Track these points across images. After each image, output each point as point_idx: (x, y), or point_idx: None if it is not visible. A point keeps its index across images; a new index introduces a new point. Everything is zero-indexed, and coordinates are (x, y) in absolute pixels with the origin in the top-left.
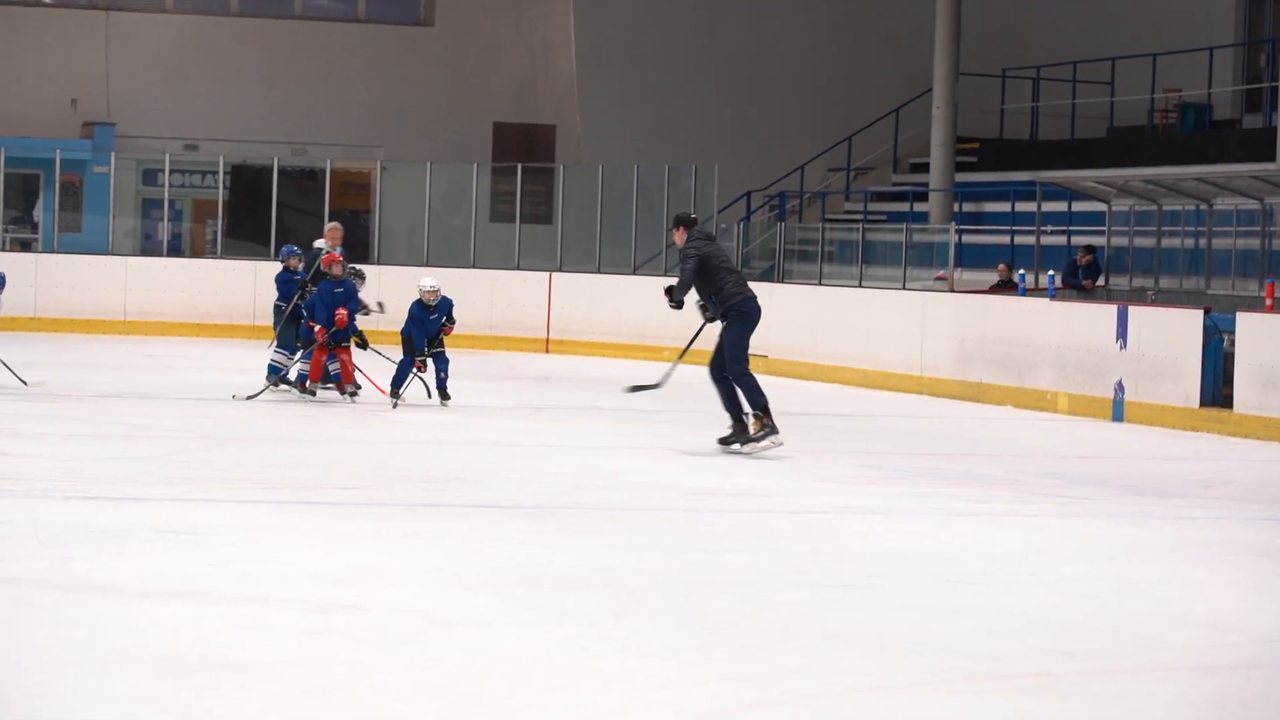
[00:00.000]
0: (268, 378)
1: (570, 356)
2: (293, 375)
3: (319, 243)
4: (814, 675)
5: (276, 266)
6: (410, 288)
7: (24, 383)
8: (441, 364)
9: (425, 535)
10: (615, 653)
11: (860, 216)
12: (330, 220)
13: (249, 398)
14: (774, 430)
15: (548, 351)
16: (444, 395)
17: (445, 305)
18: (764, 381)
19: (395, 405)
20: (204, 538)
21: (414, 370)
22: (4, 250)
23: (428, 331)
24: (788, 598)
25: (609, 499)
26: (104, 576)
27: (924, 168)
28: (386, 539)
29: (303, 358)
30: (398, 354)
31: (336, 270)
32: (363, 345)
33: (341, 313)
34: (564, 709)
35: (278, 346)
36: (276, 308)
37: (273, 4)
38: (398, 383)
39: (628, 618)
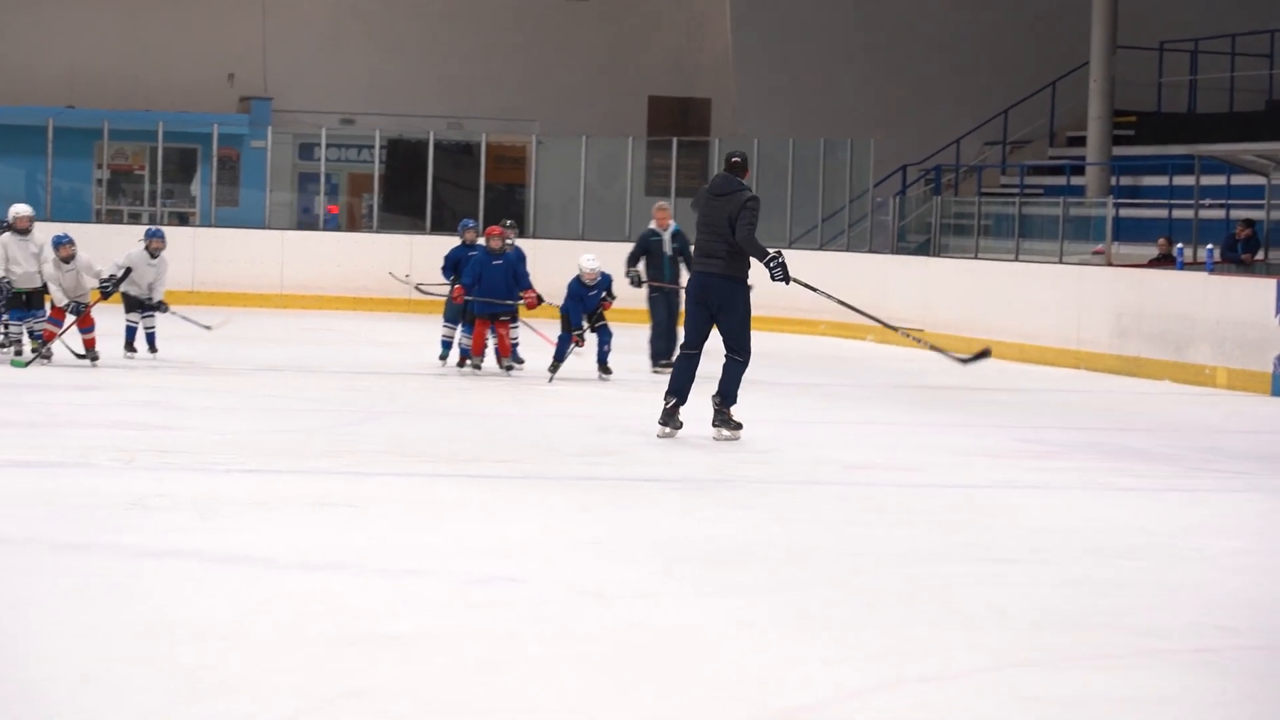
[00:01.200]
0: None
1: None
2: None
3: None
4: (976, 650)
5: (432, 240)
6: (565, 262)
7: (207, 328)
8: (604, 337)
9: (584, 508)
10: (774, 626)
11: (1016, 190)
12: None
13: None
14: (664, 421)
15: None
16: (604, 369)
17: (604, 281)
18: (918, 356)
19: (551, 380)
20: (362, 511)
21: (572, 345)
22: (163, 224)
23: (586, 307)
24: (948, 571)
25: (767, 473)
26: (263, 549)
27: (1081, 141)
28: (545, 512)
29: (464, 331)
30: (553, 329)
31: (495, 244)
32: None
33: (531, 294)
34: (724, 682)
35: (445, 320)
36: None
37: None
38: (558, 358)
39: (786, 591)
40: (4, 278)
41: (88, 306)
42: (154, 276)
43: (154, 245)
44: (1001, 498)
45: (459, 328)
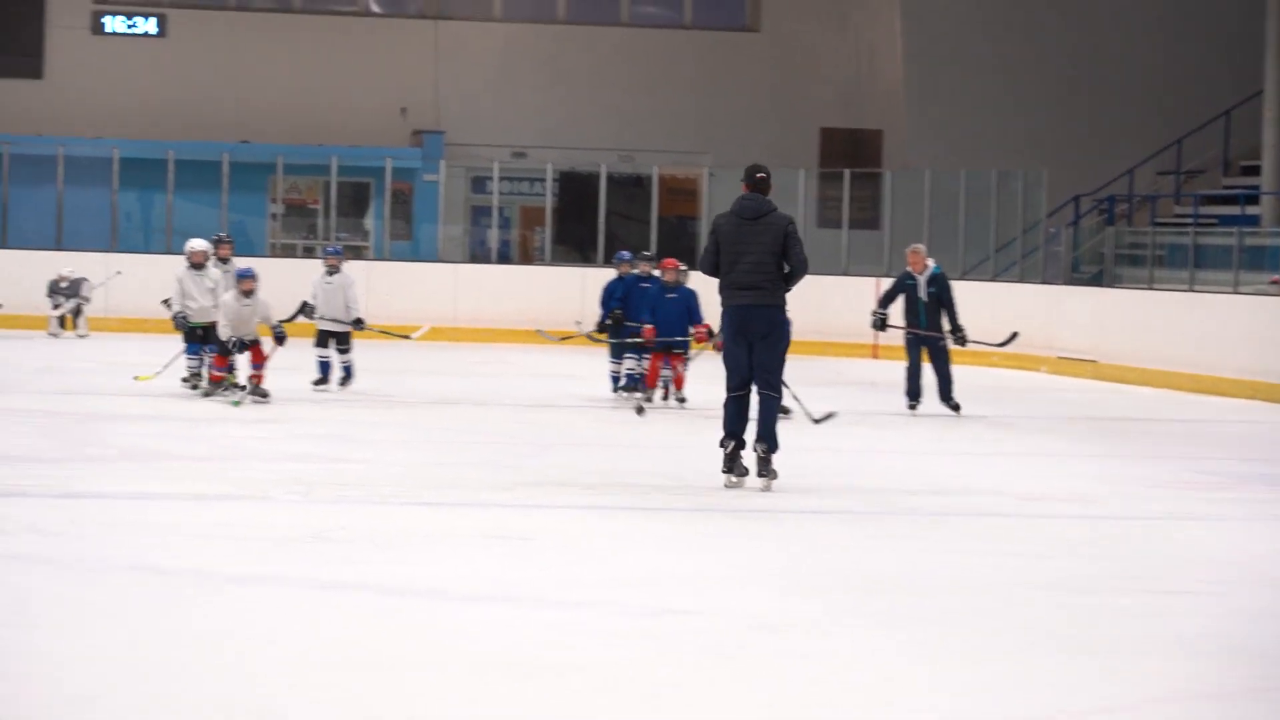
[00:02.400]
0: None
1: (898, 362)
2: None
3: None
4: (1146, 681)
5: (603, 273)
6: None
7: (405, 338)
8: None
9: (755, 539)
10: (946, 658)
11: (1191, 220)
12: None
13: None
14: (726, 469)
15: (875, 357)
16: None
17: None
18: (1091, 387)
19: None
20: (535, 543)
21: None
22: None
23: None
24: (1117, 603)
25: (940, 504)
26: (437, 581)
27: (1255, 170)
28: (716, 543)
29: (633, 360)
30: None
31: (669, 277)
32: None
33: (703, 329)
34: (896, 715)
35: (611, 357)
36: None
37: (599, 11)
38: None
39: (959, 623)
40: (180, 312)
41: (254, 343)
42: (340, 297)
43: (330, 262)
44: (1175, 529)
45: (635, 358)
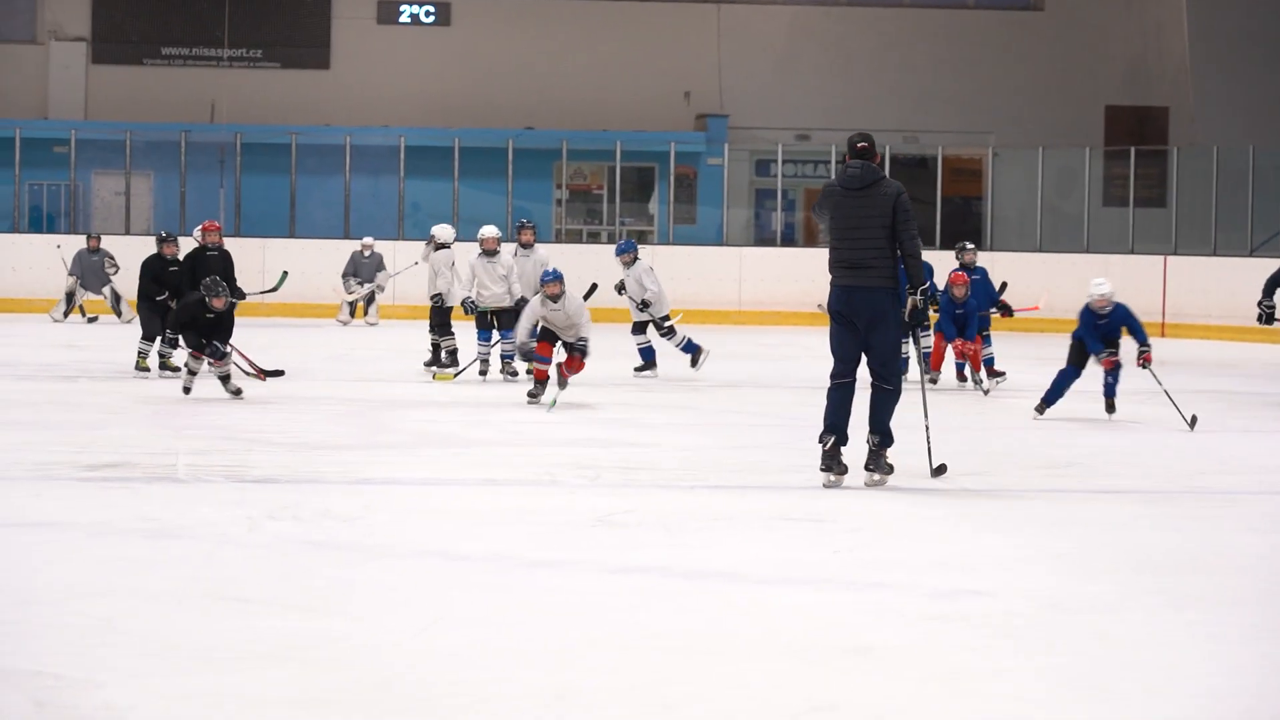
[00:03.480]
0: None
1: (1185, 340)
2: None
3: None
4: None
5: None
6: (1027, 275)
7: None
8: (1115, 375)
9: (1047, 520)
10: (1240, 639)
11: None
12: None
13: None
14: (825, 468)
15: (1163, 335)
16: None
17: (1119, 313)
18: None
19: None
20: (825, 524)
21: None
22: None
23: (1100, 334)
24: None
25: (1232, 483)
26: (728, 564)
27: None
28: (1008, 524)
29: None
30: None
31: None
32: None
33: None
34: (1187, 696)
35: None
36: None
37: None
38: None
39: (1251, 604)
40: (469, 298)
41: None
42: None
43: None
44: None
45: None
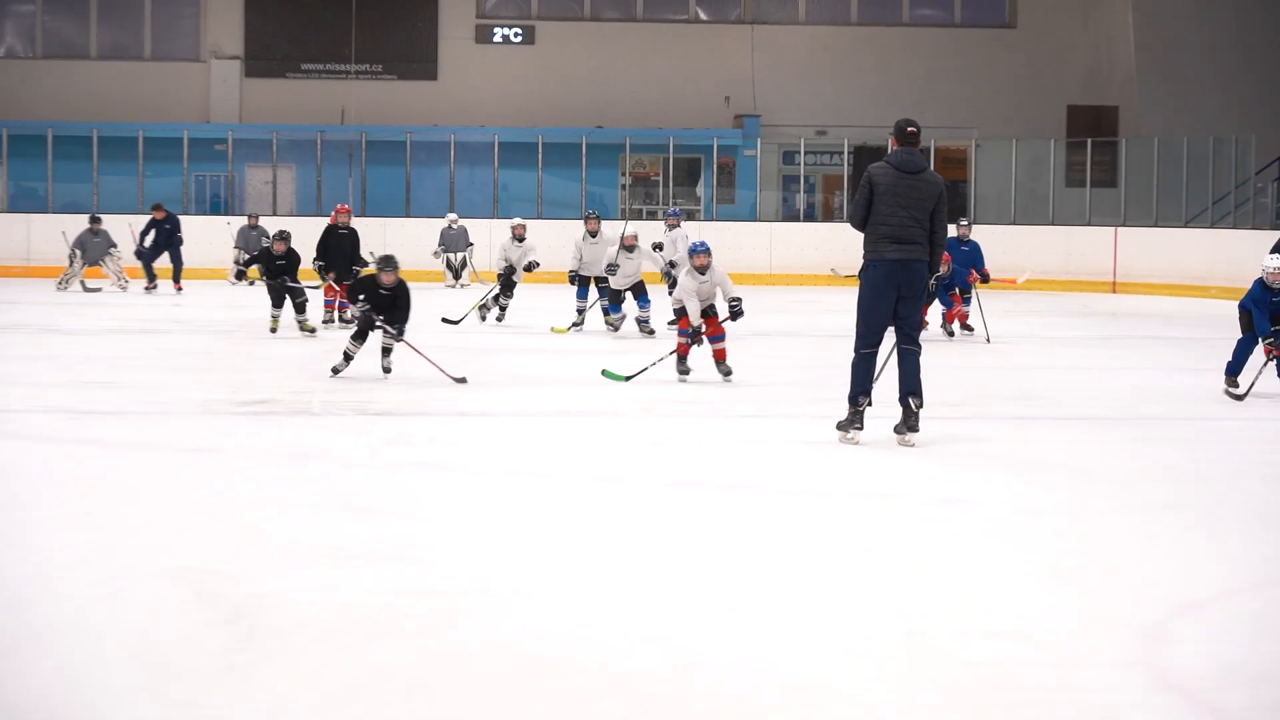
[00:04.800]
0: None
1: (1133, 296)
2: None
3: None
4: None
5: None
6: (1005, 246)
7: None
8: None
9: (1016, 441)
10: (1173, 538)
11: None
12: None
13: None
14: (848, 424)
15: (1114, 292)
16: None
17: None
18: None
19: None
20: (837, 447)
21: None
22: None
23: (1272, 310)
24: None
25: (1173, 410)
26: (756, 478)
27: None
28: (986, 446)
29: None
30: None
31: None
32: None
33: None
34: (1129, 582)
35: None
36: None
37: (885, 14)
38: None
39: (1186, 509)
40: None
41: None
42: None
43: (670, 222)
44: None
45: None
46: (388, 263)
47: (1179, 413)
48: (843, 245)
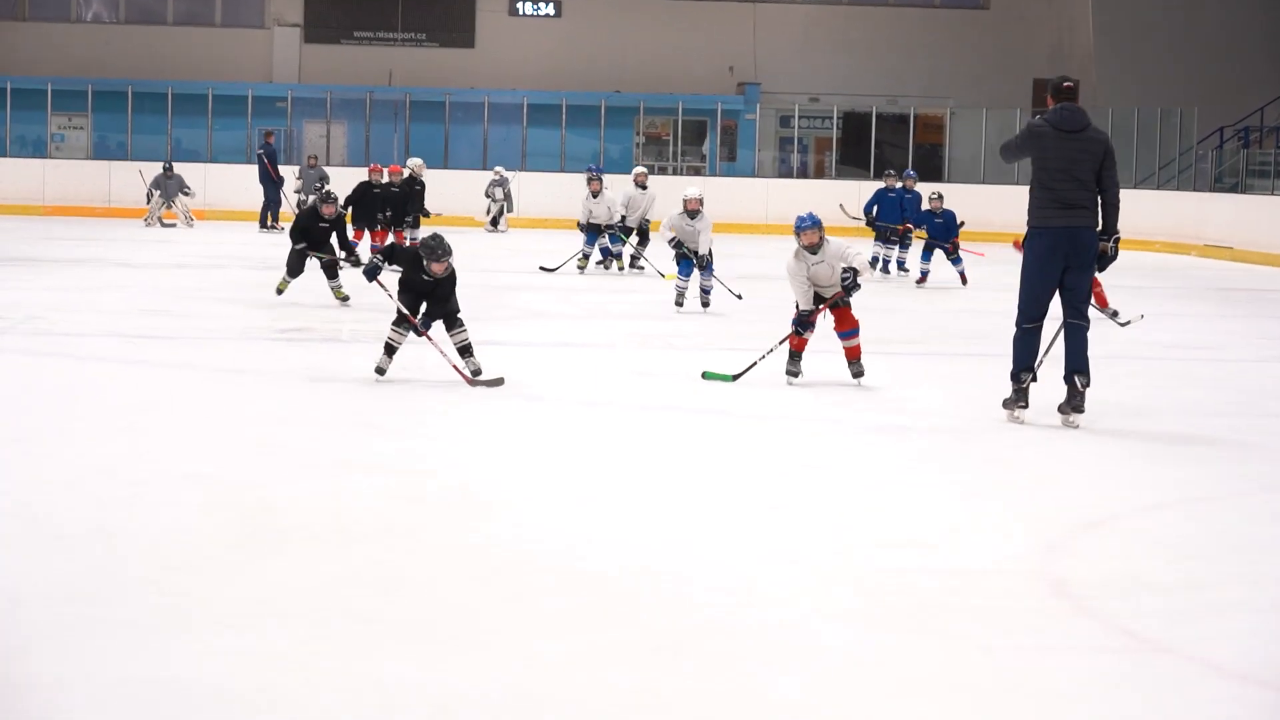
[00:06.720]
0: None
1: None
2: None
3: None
4: (1246, 479)
5: (872, 185)
6: (975, 203)
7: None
8: None
9: (957, 375)
10: (1090, 456)
11: None
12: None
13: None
14: (1013, 403)
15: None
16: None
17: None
18: (1230, 266)
19: None
20: (798, 380)
21: None
22: (681, 175)
23: None
24: (1223, 423)
25: (1099, 351)
26: (723, 404)
27: None
28: (931, 378)
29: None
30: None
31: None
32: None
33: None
34: (1048, 493)
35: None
36: None
37: None
38: None
39: (1101, 432)
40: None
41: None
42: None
43: (592, 187)
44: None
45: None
46: (436, 249)
47: (1107, 352)
48: (834, 198)
